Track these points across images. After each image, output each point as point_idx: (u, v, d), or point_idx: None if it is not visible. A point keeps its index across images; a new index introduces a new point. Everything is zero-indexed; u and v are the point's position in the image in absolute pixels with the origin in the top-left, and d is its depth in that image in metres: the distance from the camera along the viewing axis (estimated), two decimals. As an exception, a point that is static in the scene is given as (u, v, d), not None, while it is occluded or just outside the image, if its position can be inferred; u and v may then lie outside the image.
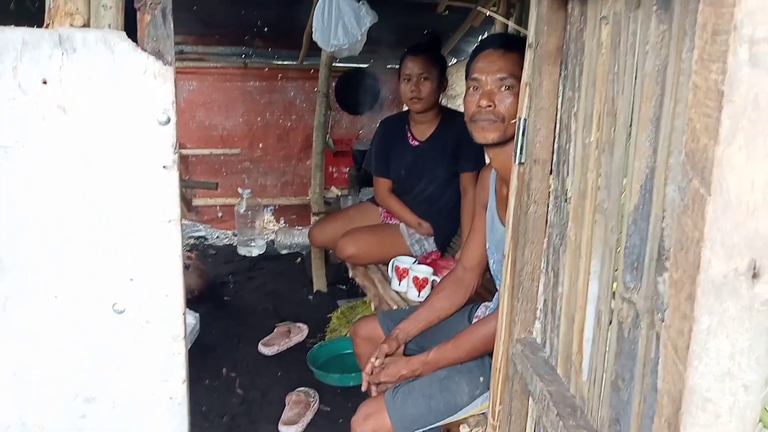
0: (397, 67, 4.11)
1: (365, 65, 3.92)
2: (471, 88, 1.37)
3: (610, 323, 0.81)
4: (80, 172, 0.93)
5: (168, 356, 1.05)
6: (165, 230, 0.99)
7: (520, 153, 1.11)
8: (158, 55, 0.93)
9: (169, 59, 0.94)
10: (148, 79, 0.93)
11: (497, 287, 1.57)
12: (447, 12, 3.31)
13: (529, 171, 1.08)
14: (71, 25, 0.88)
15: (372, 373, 1.52)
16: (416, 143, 2.45)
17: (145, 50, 0.92)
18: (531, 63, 1.08)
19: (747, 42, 0.38)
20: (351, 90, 3.86)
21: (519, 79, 1.32)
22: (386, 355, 1.53)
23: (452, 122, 2.39)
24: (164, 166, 0.97)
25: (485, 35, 3.68)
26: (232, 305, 3.17)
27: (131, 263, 0.99)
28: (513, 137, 1.37)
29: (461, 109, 3.19)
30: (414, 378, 1.46)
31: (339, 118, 4.09)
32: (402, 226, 2.44)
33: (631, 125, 0.73)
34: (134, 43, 0.91)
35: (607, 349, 0.82)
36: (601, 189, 0.83)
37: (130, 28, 0.93)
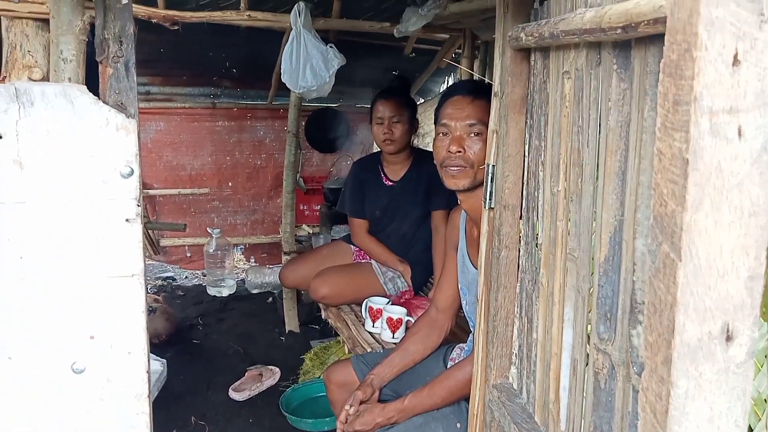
0: (367, 106, 4.18)
1: (335, 105, 3.95)
2: (440, 134, 1.39)
3: (586, 372, 0.80)
4: (38, 227, 0.89)
5: (131, 416, 1.00)
6: (127, 285, 0.95)
7: (490, 198, 1.12)
8: (121, 107, 0.91)
9: (132, 111, 0.92)
10: (110, 132, 0.91)
11: (471, 328, 1.56)
12: (414, 54, 3.38)
13: (499, 216, 1.08)
14: (29, 78, 0.85)
15: (346, 422, 1.47)
16: (390, 183, 2.46)
17: (107, 103, 0.91)
18: (497, 111, 1.10)
19: (707, 113, 0.39)
20: (321, 128, 3.88)
21: (487, 125, 1.35)
22: (361, 402, 1.49)
23: (424, 162, 2.41)
24: (127, 219, 0.94)
25: (451, 76, 3.77)
26: (202, 348, 3.07)
27: (92, 320, 0.95)
28: (483, 182, 1.39)
29: (430, 148, 3.25)
30: (390, 426, 1.43)
31: (309, 156, 4.09)
32: (375, 265, 2.42)
33: (597, 177, 0.74)
34: (95, 97, 0.90)
35: (584, 398, 0.81)
36: (571, 237, 0.83)
37: (93, 81, 0.91)
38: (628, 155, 0.64)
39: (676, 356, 0.44)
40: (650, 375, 0.48)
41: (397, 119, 2.32)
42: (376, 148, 4.28)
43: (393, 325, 1.98)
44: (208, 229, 3.74)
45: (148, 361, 0.99)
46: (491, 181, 1.11)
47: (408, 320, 2.00)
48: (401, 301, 2.17)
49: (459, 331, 1.73)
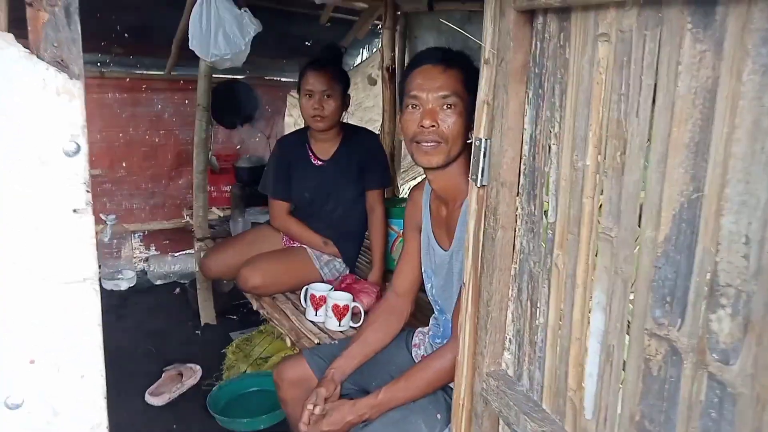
0: (276, 79, 3.93)
1: (241, 76, 3.68)
2: (409, 106, 1.28)
3: (627, 359, 0.76)
4: (-49, 226, 0.68)
5: (79, 451, 0.81)
6: (78, 292, 0.76)
7: (482, 176, 1.04)
8: (61, 65, 0.71)
9: (77, 71, 0.72)
10: (48, 97, 0.70)
11: (436, 312, 1.50)
12: (329, 23, 3.21)
13: (495, 194, 1.01)
14: (-67, 23, 0.63)
15: (310, 423, 1.35)
16: (319, 163, 2.30)
17: (43, 59, 0.70)
18: (489, 80, 1.02)
19: None
20: (227, 103, 3.59)
21: (461, 97, 1.26)
22: (324, 400, 1.38)
23: (355, 138, 2.29)
24: (74, 210, 0.74)
25: (367, 48, 3.65)
26: (105, 351, 2.74)
27: (31, 340, 0.74)
28: (455, 158, 1.31)
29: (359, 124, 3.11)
30: (363, 423, 1.32)
31: (213, 133, 3.78)
32: (309, 249, 2.27)
33: (648, 150, 0.68)
34: (26, 50, 0.69)
35: (623, 386, 0.76)
36: (604, 215, 0.77)
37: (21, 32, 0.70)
38: (711, 124, 0.59)
39: None
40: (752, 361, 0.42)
41: (329, 93, 2.15)
42: (287, 126, 4.09)
43: (339, 312, 1.86)
44: (101, 215, 3.35)
45: (105, 383, 0.81)
46: (483, 157, 1.03)
47: (354, 306, 1.90)
48: (342, 286, 2.05)
49: (418, 313, 1.65)
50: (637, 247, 0.72)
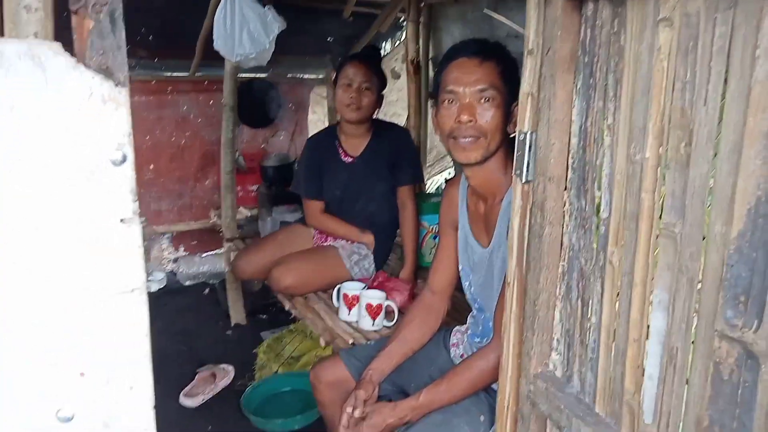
0: (300, 76, 3.92)
1: (264, 75, 3.67)
2: (446, 101, 1.25)
3: (693, 361, 0.72)
4: (4, 236, 0.67)
5: (129, 460, 0.81)
6: (126, 303, 0.75)
7: (527, 170, 1.01)
8: (107, 72, 0.70)
9: (122, 78, 0.71)
10: (94, 105, 0.69)
11: (475, 310, 1.47)
12: (352, 18, 3.18)
13: (542, 190, 0.97)
14: (-21, 33, 0.62)
15: (349, 426, 1.34)
16: (350, 159, 2.28)
17: (89, 67, 0.69)
18: (534, 71, 0.98)
19: None
20: (251, 102, 3.59)
21: (498, 89, 1.23)
22: (364, 402, 1.36)
23: (385, 134, 2.26)
24: (122, 219, 0.73)
25: (389, 42, 3.61)
26: (139, 352, 2.77)
27: (81, 352, 0.74)
28: (494, 153, 1.28)
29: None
30: (404, 426, 1.31)
31: (237, 132, 3.79)
32: (339, 248, 2.26)
33: (719, 140, 0.65)
34: (73, 58, 0.68)
35: (689, 390, 0.73)
36: (666, 211, 0.74)
37: (65, 39, 0.69)
38: (794, 113, 0.55)
39: None
40: None
41: (368, 86, 2.14)
42: (311, 123, 4.08)
43: (373, 311, 1.85)
44: (130, 218, 3.38)
45: (153, 394, 0.80)
46: (529, 150, 1.00)
47: (387, 304, 1.88)
48: (374, 284, 2.04)
49: (453, 312, 1.62)
50: (704, 243, 0.69)
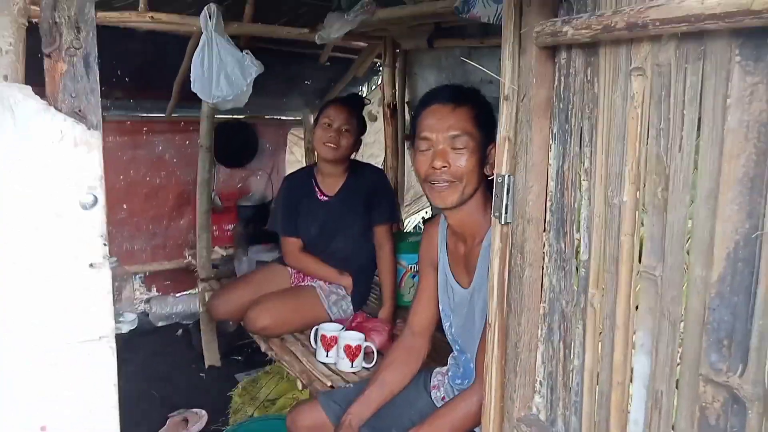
0: (277, 117, 3.94)
1: (241, 116, 3.68)
2: (421, 147, 1.26)
3: (677, 406, 0.71)
4: (-37, 287, 0.64)
5: None
6: (93, 352, 0.72)
7: (506, 213, 1.01)
8: (79, 116, 0.69)
9: (94, 121, 0.70)
10: (65, 148, 0.67)
11: (455, 351, 1.45)
12: (329, 63, 3.23)
13: (522, 232, 0.98)
14: (-52, 76, 0.61)
15: None
16: (325, 198, 2.29)
17: (60, 110, 0.67)
18: (510, 116, 1.00)
19: None
20: (228, 143, 3.58)
21: (471, 134, 1.24)
22: None
23: (361, 174, 2.27)
24: (91, 264, 0.71)
25: (366, 86, 3.67)
26: (107, 399, 2.66)
27: (43, 404, 0.70)
28: (471, 195, 1.28)
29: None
30: (384, 474, 1.26)
31: (214, 172, 3.77)
32: (318, 288, 2.23)
33: (695, 186, 0.66)
34: (44, 101, 0.66)
35: (675, 435, 0.72)
36: (646, 254, 0.74)
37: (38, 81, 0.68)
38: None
39: None
40: None
41: (347, 128, 2.18)
42: (289, 164, 4.08)
43: (351, 353, 1.81)
44: (102, 258, 3.30)
45: (121, 448, 0.76)
46: (507, 193, 1.00)
47: (366, 345, 1.84)
48: (353, 325, 2.00)
49: (433, 353, 1.60)
50: (685, 287, 0.69)
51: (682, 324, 0.69)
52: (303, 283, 2.30)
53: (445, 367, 1.51)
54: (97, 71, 0.69)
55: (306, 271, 2.31)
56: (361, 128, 2.26)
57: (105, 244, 0.71)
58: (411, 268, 2.39)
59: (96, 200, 0.70)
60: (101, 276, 0.71)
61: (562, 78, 0.89)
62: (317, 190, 2.30)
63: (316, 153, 2.28)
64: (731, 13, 0.54)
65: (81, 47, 0.67)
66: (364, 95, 3.64)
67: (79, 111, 0.68)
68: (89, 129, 0.68)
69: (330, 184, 2.28)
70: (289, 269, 2.37)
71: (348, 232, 2.25)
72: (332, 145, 2.16)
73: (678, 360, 0.71)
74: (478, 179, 1.27)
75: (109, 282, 0.72)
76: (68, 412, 0.72)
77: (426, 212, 3.70)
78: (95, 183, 0.70)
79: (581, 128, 0.85)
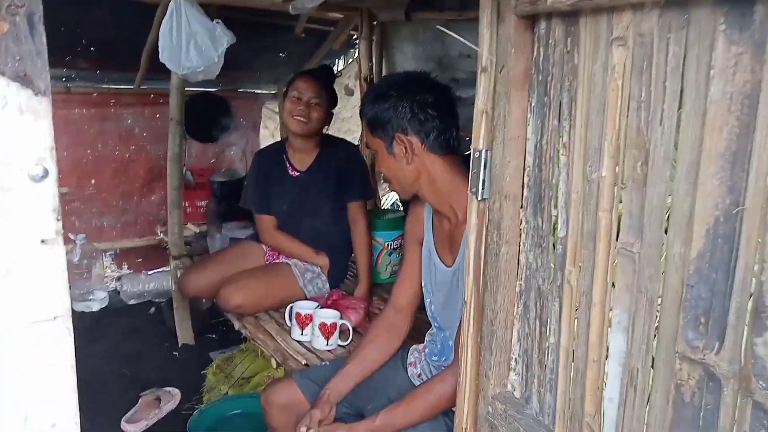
0: (250, 91, 3.84)
1: (214, 89, 3.58)
2: None
3: (652, 383, 0.70)
4: None
5: None
6: (48, 332, 0.68)
7: (482, 188, 0.99)
8: (24, 80, 0.63)
9: (42, 87, 0.65)
10: (9, 116, 0.62)
11: (434, 328, 1.44)
12: (304, 34, 3.14)
13: (499, 208, 0.95)
14: None
15: None
16: (296, 173, 2.23)
17: (3, 74, 0.62)
18: (488, 89, 0.96)
19: None
20: (200, 117, 3.48)
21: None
22: (319, 422, 1.30)
23: (333, 149, 2.22)
24: (43, 241, 0.66)
25: (342, 59, 3.59)
26: (78, 378, 2.61)
27: (-7, 391, 0.66)
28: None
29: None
30: (359, 451, 1.25)
31: (187, 147, 3.68)
32: (293, 266, 2.19)
33: (675, 160, 0.64)
34: (-16, 64, 0.61)
35: (649, 413, 0.71)
36: (624, 230, 0.72)
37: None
38: (751, 132, 0.54)
39: None
40: None
41: (317, 102, 2.11)
42: (263, 139, 3.99)
43: (327, 331, 1.79)
44: (69, 234, 3.21)
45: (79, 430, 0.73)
46: (484, 169, 0.98)
47: (342, 323, 1.82)
48: (328, 302, 1.98)
49: (411, 330, 1.58)
50: (663, 264, 0.67)
51: (659, 301, 0.68)
52: (278, 261, 2.26)
53: (422, 345, 1.50)
54: (44, 32, 0.63)
55: (281, 249, 2.27)
56: (332, 101, 2.20)
57: (58, 219, 0.67)
58: (387, 245, 2.37)
59: (47, 172, 0.65)
60: (54, 253, 0.66)
61: (542, 49, 0.86)
62: (288, 165, 2.24)
63: (286, 127, 2.21)
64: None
65: (24, 5, 0.61)
66: (341, 68, 3.56)
67: (24, 75, 0.63)
68: (36, 95, 0.63)
69: (301, 159, 2.22)
70: (263, 246, 2.33)
71: (321, 209, 2.21)
72: (301, 119, 2.10)
73: (654, 337, 0.70)
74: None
75: (62, 259, 0.67)
76: (23, 396, 0.68)
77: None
78: (45, 154, 0.65)
79: (560, 101, 0.83)
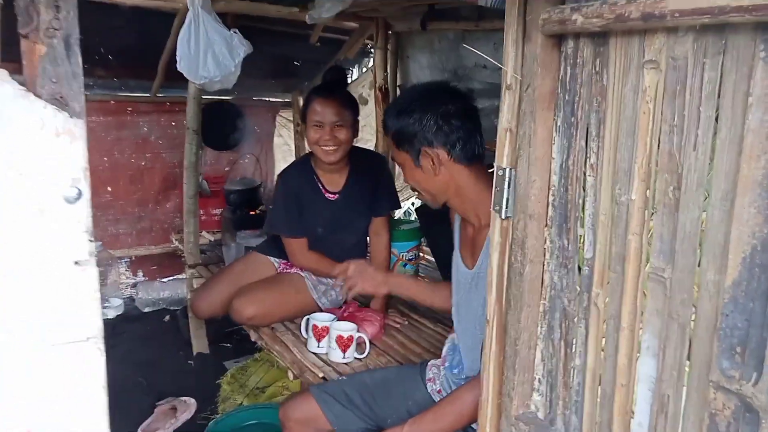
0: (266, 99, 3.86)
1: (229, 97, 3.61)
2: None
3: (685, 411, 0.70)
4: (-63, 287, 0.60)
5: None
6: (81, 353, 0.69)
7: (506, 207, 0.98)
8: (61, 102, 0.64)
9: (78, 108, 0.65)
10: (46, 138, 0.63)
11: (456, 332, 1.43)
12: (319, 43, 3.16)
13: (523, 227, 0.95)
14: None
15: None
16: (332, 197, 2.15)
17: (40, 96, 0.63)
18: (513, 107, 0.96)
19: None
20: (216, 125, 3.50)
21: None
22: None
23: (364, 166, 2.16)
24: (76, 262, 0.67)
25: (356, 67, 3.61)
26: (92, 385, 2.62)
27: (29, 409, 0.66)
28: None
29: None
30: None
31: (201, 155, 3.70)
32: (306, 277, 2.18)
33: (710, 186, 0.63)
34: (22, 87, 0.62)
35: (681, 440, 0.70)
36: (655, 255, 0.72)
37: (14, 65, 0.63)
38: (792, 162, 0.53)
39: None
40: None
41: (340, 123, 1.99)
42: (277, 147, 4.01)
43: (343, 343, 1.78)
44: (86, 242, 3.23)
45: (109, 452, 0.73)
46: (508, 187, 0.97)
47: (359, 336, 1.82)
48: (345, 315, 1.97)
49: (428, 345, 1.58)
50: (696, 290, 0.67)
51: (692, 325, 0.67)
52: (290, 271, 2.24)
53: (439, 360, 1.49)
54: (79, 54, 0.64)
55: (315, 270, 2.18)
56: (354, 112, 2.08)
57: (91, 240, 0.67)
58: (402, 256, 2.37)
59: (80, 194, 0.66)
60: (87, 274, 0.67)
61: (569, 68, 0.86)
62: (322, 188, 2.16)
63: (315, 155, 2.11)
64: (760, 5, 0.51)
65: (61, 27, 0.62)
66: (355, 77, 3.57)
67: (61, 97, 0.63)
68: (72, 117, 0.64)
69: (333, 180, 2.15)
70: (271, 258, 2.31)
71: (354, 227, 2.18)
72: (329, 148, 2.00)
73: (686, 364, 0.69)
74: None
75: (96, 280, 0.68)
76: (55, 416, 0.68)
77: (413, 200, 3.67)
78: (79, 175, 0.66)
79: (588, 122, 0.82)
